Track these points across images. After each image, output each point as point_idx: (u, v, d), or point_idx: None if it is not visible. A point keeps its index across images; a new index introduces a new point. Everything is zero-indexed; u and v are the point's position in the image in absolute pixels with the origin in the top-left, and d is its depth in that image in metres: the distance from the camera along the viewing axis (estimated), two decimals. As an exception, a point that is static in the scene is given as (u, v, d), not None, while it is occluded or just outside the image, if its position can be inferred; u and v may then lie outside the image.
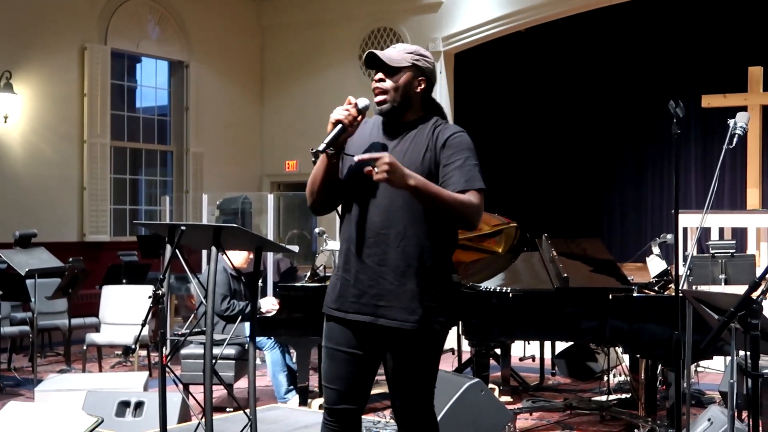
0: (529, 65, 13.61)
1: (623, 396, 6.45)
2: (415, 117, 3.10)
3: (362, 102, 2.98)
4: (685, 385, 3.96)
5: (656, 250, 6.36)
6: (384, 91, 3.05)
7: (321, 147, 2.93)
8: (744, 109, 10.38)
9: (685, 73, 12.53)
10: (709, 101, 10.97)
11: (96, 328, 8.23)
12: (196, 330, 3.92)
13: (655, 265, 6.23)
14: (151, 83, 12.77)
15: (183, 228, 3.73)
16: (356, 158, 2.91)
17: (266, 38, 13.51)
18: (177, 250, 3.87)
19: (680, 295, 3.92)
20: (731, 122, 4.24)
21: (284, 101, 13.11)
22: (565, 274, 5.38)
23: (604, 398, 6.35)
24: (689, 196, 12.87)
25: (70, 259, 8.06)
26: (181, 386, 5.54)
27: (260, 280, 8.20)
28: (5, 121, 10.29)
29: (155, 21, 12.16)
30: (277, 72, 13.36)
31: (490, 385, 6.05)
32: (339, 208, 3.18)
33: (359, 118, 3.01)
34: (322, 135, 3.00)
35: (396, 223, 3.00)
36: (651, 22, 12.60)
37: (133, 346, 3.78)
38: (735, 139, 4.21)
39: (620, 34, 12.26)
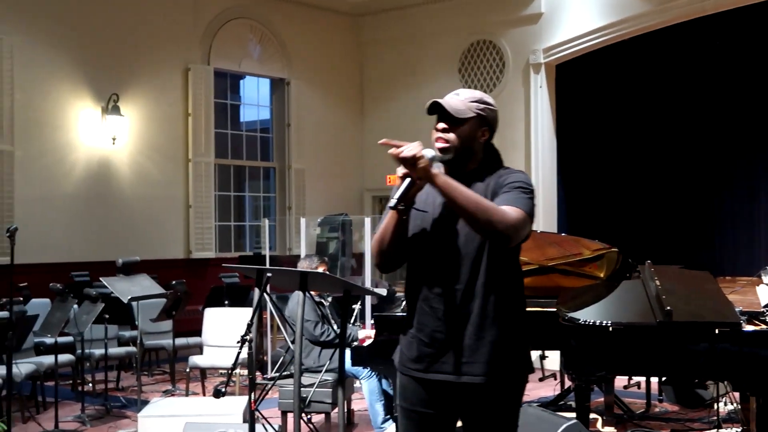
0: (634, 76, 13.18)
1: (734, 429, 6.19)
2: (475, 166, 3.03)
3: (428, 153, 2.84)
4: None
5: (766, 278, 6.07)
6: (446, 140, 2.98)
7: (392, 203, 2.86)
8: None
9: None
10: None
11: (199, 348, 8.39)
12: (285, 374, 3.91)
13: (766, 293, 5.94)
14: (254, 101, 12.98)
15: (269, 275, 3.72)
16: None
17: (364, 54, 13.55)
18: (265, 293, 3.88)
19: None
20: None
21: (384, 116, 13.10)
22: (668, 307, 5.16)
23: (714, 431, 6.10)
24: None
25: (173, 282, 8.23)
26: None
27: (359, 303, 8.22)
28: (113, 143, 10.60)
29: (256, 40, 12.34)
30: (377, 87, 13.38)
31: (593, 415, 5.88)
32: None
33: None
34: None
35: (469, 276, 2.91)
36: (760, 29, 12.08)
37: (223, 390, 3.78)
38: None
39: (728, 43, 11.76)
